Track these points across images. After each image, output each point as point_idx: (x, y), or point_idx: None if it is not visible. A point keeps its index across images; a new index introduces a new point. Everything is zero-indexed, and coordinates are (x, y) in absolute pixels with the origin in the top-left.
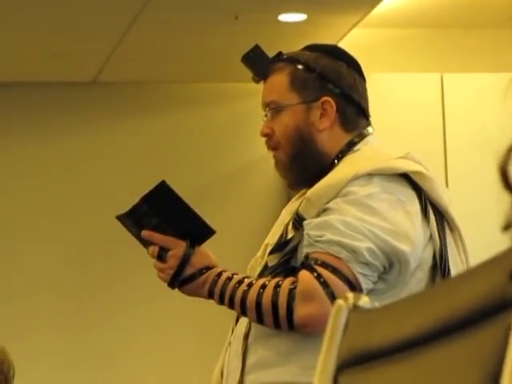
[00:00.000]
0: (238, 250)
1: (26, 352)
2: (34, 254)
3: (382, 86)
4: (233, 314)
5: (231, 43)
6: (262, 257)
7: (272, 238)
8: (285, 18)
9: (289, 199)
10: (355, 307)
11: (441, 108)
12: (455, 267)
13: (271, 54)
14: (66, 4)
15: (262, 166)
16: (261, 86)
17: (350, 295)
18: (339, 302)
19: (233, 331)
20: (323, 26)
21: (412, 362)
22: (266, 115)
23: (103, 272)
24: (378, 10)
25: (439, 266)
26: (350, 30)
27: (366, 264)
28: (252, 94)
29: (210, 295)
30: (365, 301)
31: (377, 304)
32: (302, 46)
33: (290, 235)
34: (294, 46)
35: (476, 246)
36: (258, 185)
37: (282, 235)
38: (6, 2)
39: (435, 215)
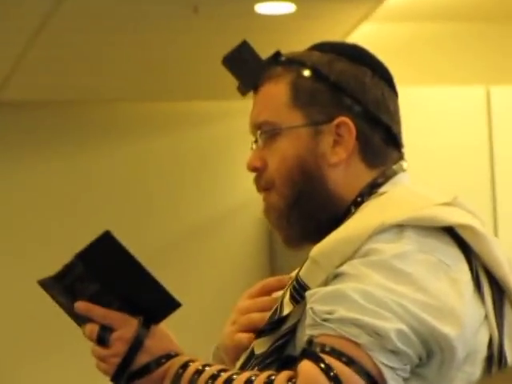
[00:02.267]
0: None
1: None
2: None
3: (412, 102)
4: None
5: (191, 45)
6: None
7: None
8: (264, 9)
9: (271, 250)
10: None
11: (487, 125)
12: None
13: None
14: None
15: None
16: (247, 101)
17: None
18: None
19: None
20: (318, 19)
21: None
22: (255, 141)
23: None
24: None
25: (496, 356)
26: (356, 25)
27: (395, 353)
28: (229, 115)
29: None
30: None
31: None
32: (288, 48)
33: (286, 311)
34: (279, 46)
35: None
36: (233, 236)
37: (275, 310)
38: None
39: (490, 287)
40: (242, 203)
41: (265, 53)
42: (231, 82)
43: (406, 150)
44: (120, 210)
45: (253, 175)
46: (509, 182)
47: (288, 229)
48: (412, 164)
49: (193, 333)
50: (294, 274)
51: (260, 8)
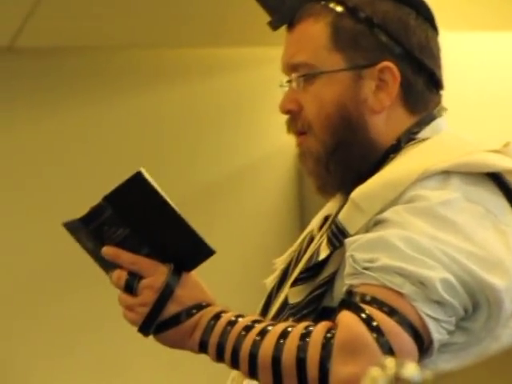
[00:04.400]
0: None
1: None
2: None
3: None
4: None
5: None
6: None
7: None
8: None
9: (301, 202)
10: (398, 380)
11: None
12: None
13: None
14: None
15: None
16: (266, 50)
17: (391, 362)
18: (373, 372)
19: None
20: None
21: None
22: (289, 82)
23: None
24: None
25: None
26: None
27: (440, 304)
28: (260, 62)
29: (202, 347)
30: (412, 370)
31: (430, 375)
32: None
33: (322, 255)
34: None
35: None
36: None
37: (311, 256)
38: None
39: None
40: (266, 155)
41: None
42: (257, 26)
43: (448, 101)
44: (140, 159)
45: (281, 120)
46: None
47: (326, 177)
48: (454, 117)
49: (224, 288)
50: (316, 223)
51: None
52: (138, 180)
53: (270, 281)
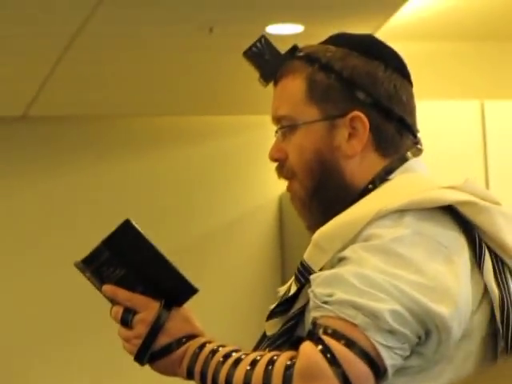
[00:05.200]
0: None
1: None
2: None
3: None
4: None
5: (206, 62)
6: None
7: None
8: (275, 29)
9: (283, 251)
10: None
11: (481, 138)
12: None
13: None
14: None
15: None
16: (249, 117)
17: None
18: None
19: None
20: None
21: None
22: (276, 131)
23: None
24: (399, 19)
25: (502, 329)
26: None
27: (391, 332)
28: (244, 128)
29: (189, 375)
30: None
31: None
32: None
33: (292, 292)
34: None
35: None
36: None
37: (285, 293)
38: None
39: (493, 260)
40: (252, 210)
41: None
42: (241, 97)
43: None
44: (136, 217)
45: (265, 180)
46: (503, 194)
47: (310, 217)
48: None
49: (215, 325)
50: None
51: (270, 29)
52: (126, 226)
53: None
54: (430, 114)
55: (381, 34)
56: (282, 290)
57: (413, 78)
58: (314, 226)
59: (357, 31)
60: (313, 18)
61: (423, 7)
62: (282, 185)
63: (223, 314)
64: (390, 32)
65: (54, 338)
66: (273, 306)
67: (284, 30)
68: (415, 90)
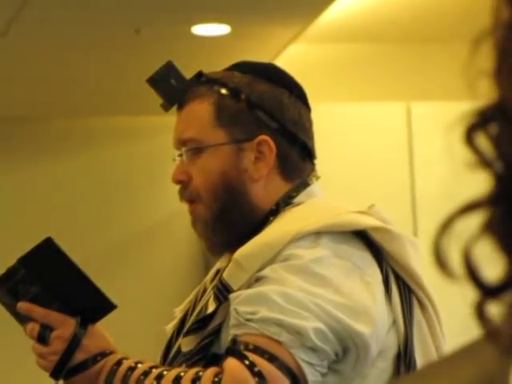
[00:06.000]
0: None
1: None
2: None
3: (332, 119)
4: None
5: (133, 64)
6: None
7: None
8: (201, 30)
9: (206, 262)
10: None
11: (407, 140)
12: (424, 355)
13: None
14: None
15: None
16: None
17: None
18: None
19: None
20: (251, 40)
21: None
22: (180, 155)
23: None
24: (325, 20)
25: (403, 355)
26: (286, 46)
27: (313, 349)
28: (170, 129)
29: None
30: None
31: None
32: (224, 67)
33: (210, 309)
34: (215, 66)
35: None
36: (167, 247)
37: (200, 310)
38: None
39: (400, 288)
40: (174, 213)
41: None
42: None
43: (329, 165)
44: (60, 219)
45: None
46: (428, 197)
47: (212, 238)
48: (335, 178)
49: (131, 336)
50: (209, 276)
51: (197, 29)
52: (47, 245)
53: (170, 328)
54: (357, 116)
55: (308, 36)
56: (179, 310)
57: (339, 79)
58: (217, 247)
59: (283, 32)
60: (239, 18)
61: (350, 8)
62: None
63: (145, 321)
64: (317, 33)
65: None
66: (170, 325)
67: (211, 31)
68: (343, 91)
